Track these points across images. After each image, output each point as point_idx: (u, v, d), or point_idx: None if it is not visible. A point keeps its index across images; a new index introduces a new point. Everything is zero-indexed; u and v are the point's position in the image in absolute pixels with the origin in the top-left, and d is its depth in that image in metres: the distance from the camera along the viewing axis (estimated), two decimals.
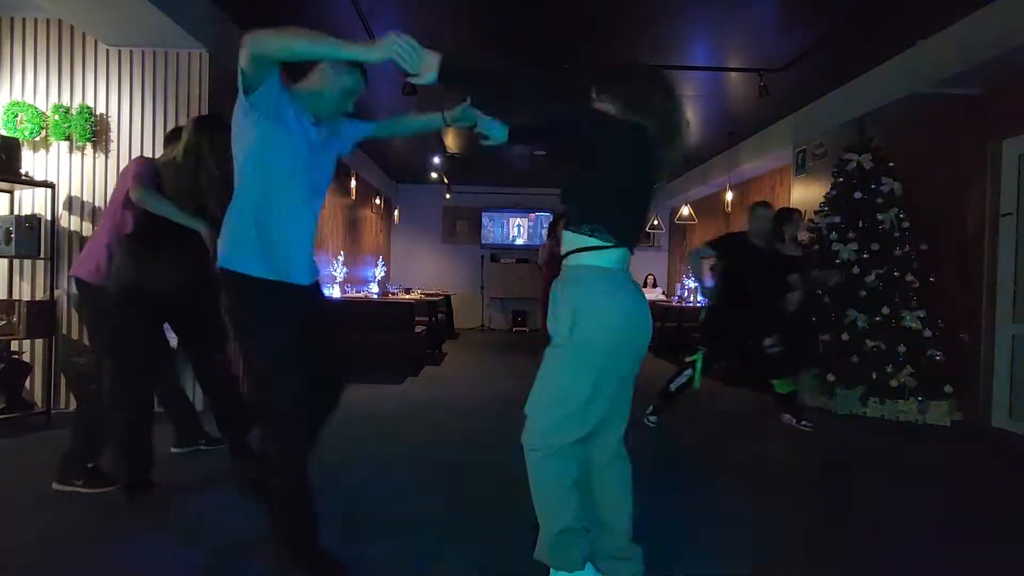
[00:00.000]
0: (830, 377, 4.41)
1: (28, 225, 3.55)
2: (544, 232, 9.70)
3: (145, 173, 2.49)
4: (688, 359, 3.87)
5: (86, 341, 3.90)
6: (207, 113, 3.04)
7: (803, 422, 3.96)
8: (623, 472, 1.72)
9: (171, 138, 2.88)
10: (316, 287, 1.97)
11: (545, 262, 6.25)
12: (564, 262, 1.68)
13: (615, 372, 1.61)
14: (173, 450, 3.02)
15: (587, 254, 1.60)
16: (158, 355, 2.64)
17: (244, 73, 1.66)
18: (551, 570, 1.63)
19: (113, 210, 2.64)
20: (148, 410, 2.57)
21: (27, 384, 3.80)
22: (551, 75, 1.51)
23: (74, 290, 2.67)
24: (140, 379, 2.50)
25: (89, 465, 2.52)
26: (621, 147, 1.58)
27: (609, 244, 1.59)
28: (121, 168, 3.96)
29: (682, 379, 3.83)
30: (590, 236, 1.59)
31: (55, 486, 2.50)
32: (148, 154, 3.96)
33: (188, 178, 2.41)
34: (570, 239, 1.65)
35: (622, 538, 1.70)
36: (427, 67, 1.47)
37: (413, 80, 1.49)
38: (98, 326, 2.62)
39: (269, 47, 1.60)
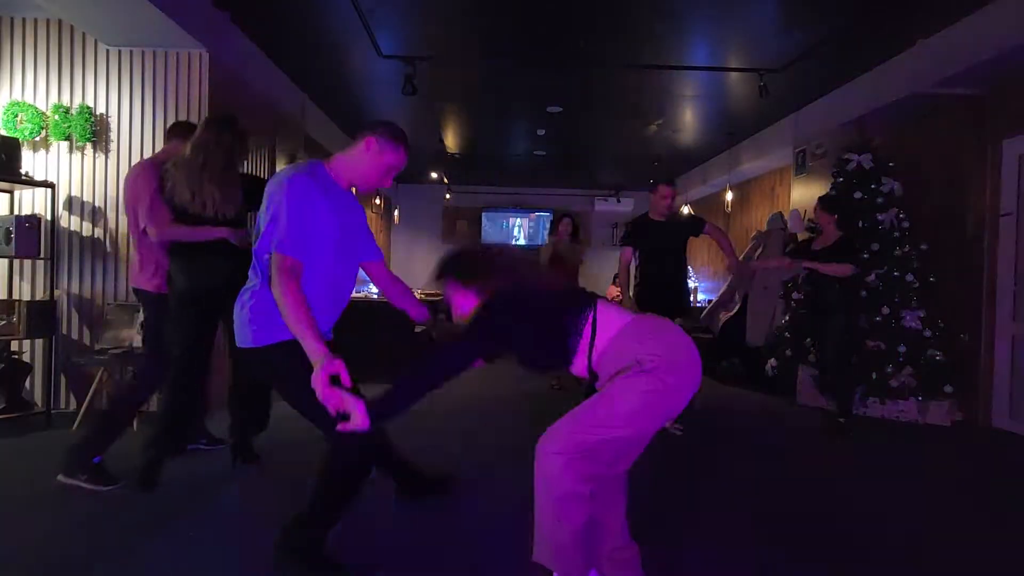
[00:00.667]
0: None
1: (28, 225, 3.55)
2: (545, 232, 9.71)
3: (154, 201, 2.58)
4: None
5: (87, 341, 3.91)
6: (216, 113, 3.14)
7: (676, 426, 3.70)
8: (623, 477, 1.74)
9: (172, 133, 2.93)
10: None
11: (547, 262, 6.23)
12: (597, 360, 1.62)
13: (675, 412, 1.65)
14: None
15: (606, 334, 1.59)
16: (210, 354, 2.71)
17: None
18: (554, 574, 1.61)
19: (135, 223, 2.79)
20: (192, 409, 2.73)
21: (27, 384, 3.80)
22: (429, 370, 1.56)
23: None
24: (193, 379, 2.60)
25: (96, 460, 2.53)
26: (512, 317, 1.63)
27: (590, 317, 1.61)
28: (121, 168, 3.96)
29: None
30: (579, 344, 1.61)
31: (60, 478, 2.52)
32: (148, 155, 3.96)
33: (196, 173, 2.48)
34: (578, 362, 1.64)
35: (620, 537, 1.71)
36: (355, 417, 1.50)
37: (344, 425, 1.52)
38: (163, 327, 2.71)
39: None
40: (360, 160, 1.87)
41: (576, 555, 1.56)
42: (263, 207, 1.78)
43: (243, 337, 1.81)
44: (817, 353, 4.28)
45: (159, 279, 2.78)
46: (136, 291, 2.87)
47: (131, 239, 2.98)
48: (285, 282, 1.67)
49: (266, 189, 1.79)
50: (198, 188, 2.48)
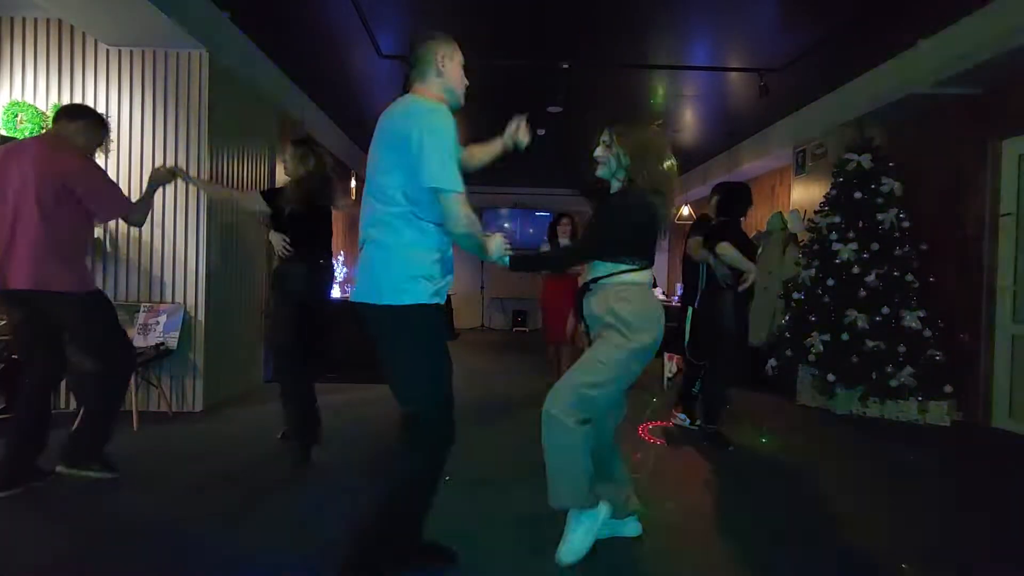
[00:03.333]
0: (830, 377, 4.41)
1: None
2: (544, 236, 9.69)
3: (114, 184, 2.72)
4: None
5: None
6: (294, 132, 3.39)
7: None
8: (616, 436, 2.21)
9: (66, 115, 2.54)
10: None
11: None
12: (602, 281, 2.04)
13: (645, 365, 2.04)
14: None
15: (629, 274, 2.02)
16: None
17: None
18: (570, 513, 2.00)
19: (67, 212, 2.44)
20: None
21: None
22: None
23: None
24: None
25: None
26: (633, 215, 2.04)
27: (638, 267, 2.03)
28: (121, 168, 3.95)
29: None
30: (625, 263, 2.02)
31: (60, 469, 2.53)
32: (148, 155, 3.95)
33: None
34: (606, 266, 2.04)
35: (626, 486, 2.17)
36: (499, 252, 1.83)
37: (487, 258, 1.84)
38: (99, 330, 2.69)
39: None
40: (451, 74, 1.83)
41: (588, 491, 1.96)
42: (384, 140, 1.67)
43: (385, 292, 1.67)
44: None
45: (80, 274, 2.52)
46: (54, 295, 2.43)
47: (36, 232, 2.39)
48: (470, 216, 1.64)
49: (390, 120, 1.68)
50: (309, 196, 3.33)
